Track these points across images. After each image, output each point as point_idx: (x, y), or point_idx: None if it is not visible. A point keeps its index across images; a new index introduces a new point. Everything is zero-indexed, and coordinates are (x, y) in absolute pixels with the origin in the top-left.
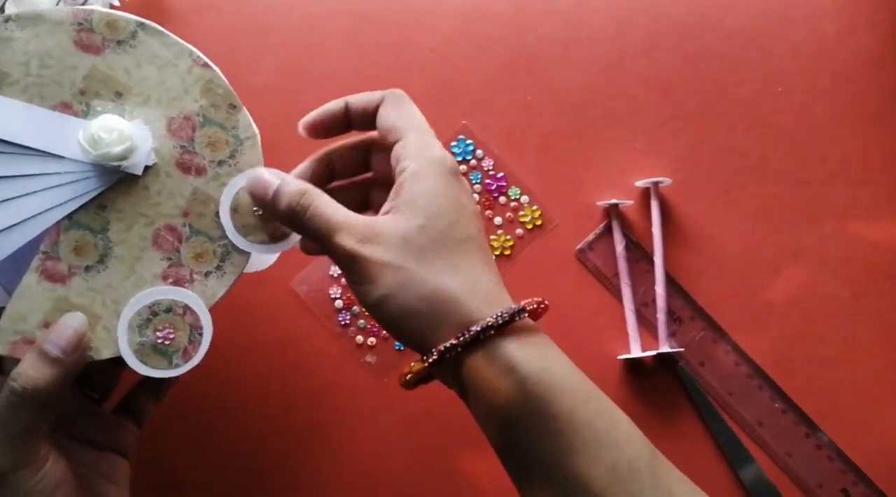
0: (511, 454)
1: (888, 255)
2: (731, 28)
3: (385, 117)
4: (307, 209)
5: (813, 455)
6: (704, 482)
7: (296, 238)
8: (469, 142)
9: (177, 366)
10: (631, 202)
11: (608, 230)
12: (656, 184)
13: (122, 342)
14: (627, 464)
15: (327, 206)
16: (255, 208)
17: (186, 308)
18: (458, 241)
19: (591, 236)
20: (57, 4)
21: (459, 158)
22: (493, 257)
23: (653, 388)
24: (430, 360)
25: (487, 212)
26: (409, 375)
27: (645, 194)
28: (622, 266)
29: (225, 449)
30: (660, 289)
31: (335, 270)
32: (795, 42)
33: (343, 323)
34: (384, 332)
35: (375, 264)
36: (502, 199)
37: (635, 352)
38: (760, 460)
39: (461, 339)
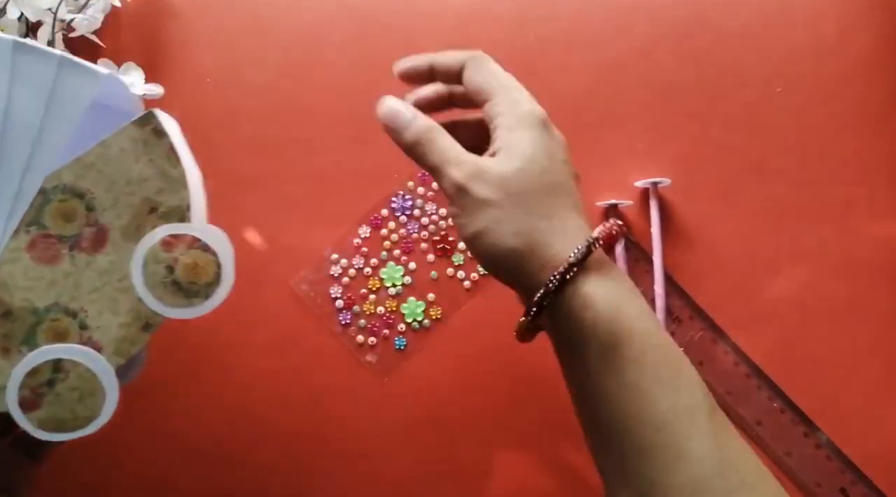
0: (577, 383)
1: (887, 255)
2: (730, 29)
3: (470, 81)
4: (429, 142)
5: (811, 454)
6: None
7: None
8: None
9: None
10: (630, 203)
11: None
12: (655, 184)
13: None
14: (686, 408)
15: (446, 142)
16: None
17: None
18: (550, 186)
19: None
20: (58, 6)
21: None
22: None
23: None
24: (531, 314)
25: None
26: (518, 331)
27: (644, 195)
28: (621, 266)
29: (224, 449)
30: (659, 288)
31: (336, 270)
32: (795, 43)
33: (344, 322)
34: (385, 331)
35: (478, 199)
36: None
37: None
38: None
39: (551, 284)
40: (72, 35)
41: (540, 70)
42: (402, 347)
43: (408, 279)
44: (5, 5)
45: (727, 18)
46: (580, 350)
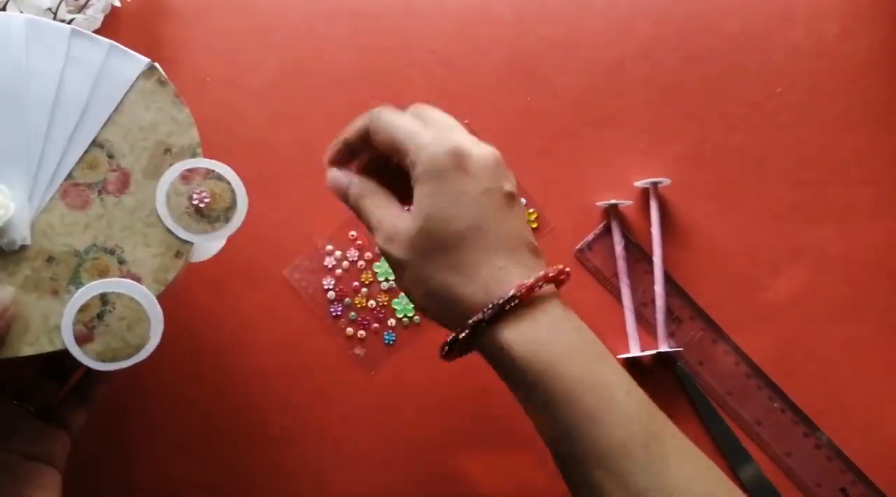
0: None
1: (887, 255)
2: (730, 29)
3: (378, 144)
4: (359, 209)
5: (812, 454)
6: None
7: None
8: None
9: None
10: (630, 202)
11: (607, 230)
12: (655, 184)
13: (65, 327)
14: (619, 444)
15: (373, 206)
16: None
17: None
18: (456, 236)
19: (590, 236)
20: (58, 6)
21: None
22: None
23: (652, 388)
24: (442, 354)
25: None
26: (443, 351)
27: (644, 194)
28: (621, 266)
29: (211, 437)
30: (659, 288)
31: (329, 261)
32: (795, 42)
33: (334, 314)
34: (375, 325)
35: (394, 262)
36: None
37: (634, 351)
38: (759, 460)
39: (459, 334)
40: None
41: (540, 70)
42: (391, 342)
43: None
44: (5, 5)
45: (727, 18)
46: (514, 391)
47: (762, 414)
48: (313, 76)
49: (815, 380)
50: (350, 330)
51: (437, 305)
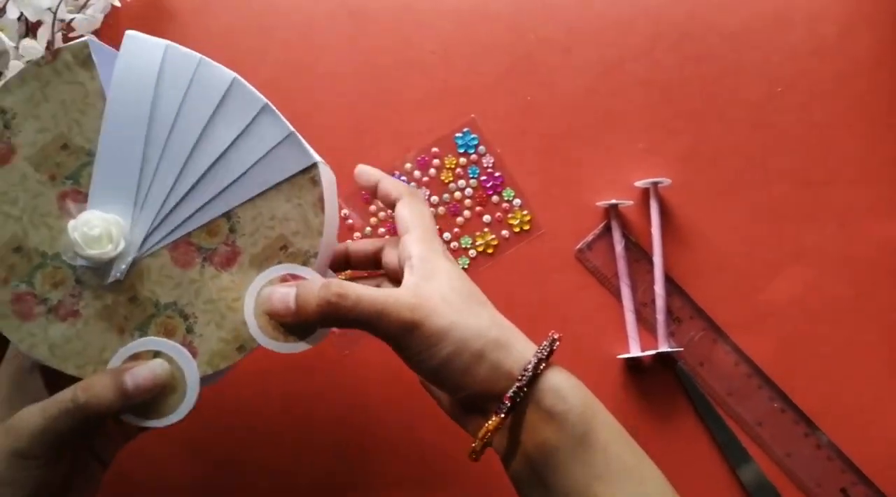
0: (540, 482)
1: (888, 255)
2: (731, 29)
3: (400, 214)
4: (348, 298)
5: (812, 455)
6: (703, 482)
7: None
8: (474, 136)
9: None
10: (630, 202)
11: (607, 230)
12: (656, 184)
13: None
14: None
15: (366, 290)
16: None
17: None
18: (479, 300)
19: (590, 236)
20: (58, 6)
21: (461, 151)
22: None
23: (652, 388)
24: (505, 411)
25: (478, 208)
26: (486, 435)
27: (644, 194)
28: (621, 266)
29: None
30: (659, 288)
31: None
32: (795, 42)
33: None
34: None
35: (434, 327)
36: (495, 199)
37: (635, 351)
38: (759, 460)
39: (523, 378)
40: (71, 35)
41: (540, 70)
42: None
43: None
44: (5, 5)
45: (727, 18)
46: (550, 453)
47: (762, 414)
48: (313, 76)
49: (816, 380)
50: None
51: (490, 357)
